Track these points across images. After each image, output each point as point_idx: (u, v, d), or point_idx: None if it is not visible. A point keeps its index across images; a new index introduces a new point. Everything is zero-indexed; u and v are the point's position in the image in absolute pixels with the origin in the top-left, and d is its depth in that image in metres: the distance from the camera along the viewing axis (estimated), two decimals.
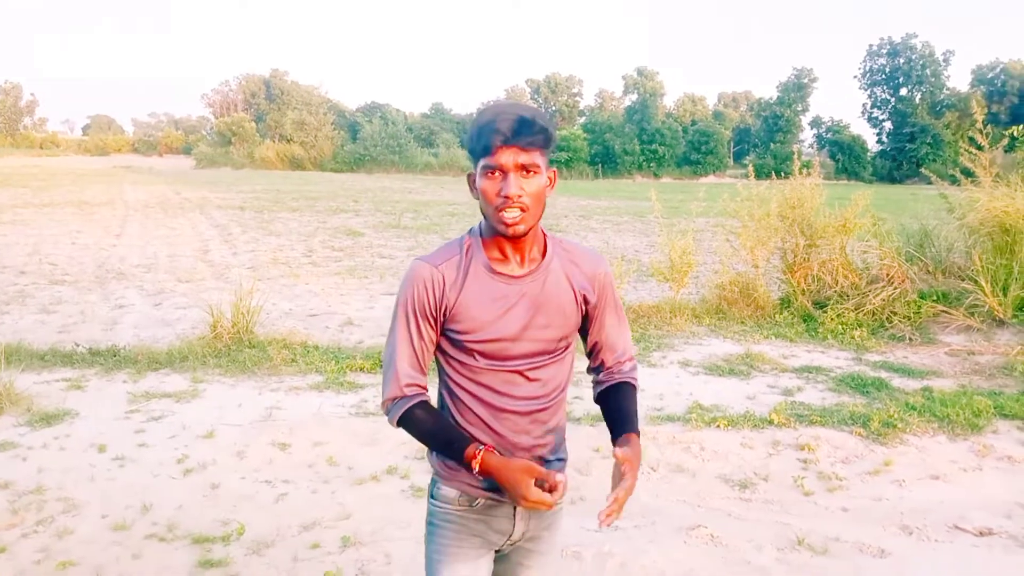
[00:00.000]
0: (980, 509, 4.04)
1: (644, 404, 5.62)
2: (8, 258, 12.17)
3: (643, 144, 58.33)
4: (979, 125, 8.51)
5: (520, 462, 1.72)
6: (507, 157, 1.65)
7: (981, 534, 3.79)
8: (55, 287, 9.94)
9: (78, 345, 6.73)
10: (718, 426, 5.08)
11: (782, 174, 9.13)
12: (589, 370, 2.00)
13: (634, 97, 64.80)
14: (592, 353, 1.96)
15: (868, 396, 5.83)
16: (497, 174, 1.67)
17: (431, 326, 1.80)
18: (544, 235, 1.84)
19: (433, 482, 1.91)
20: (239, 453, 4.63)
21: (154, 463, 4.47)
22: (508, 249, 1.78)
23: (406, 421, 1.82)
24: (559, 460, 1.92)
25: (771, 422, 5.14)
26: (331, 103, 70.72)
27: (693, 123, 63.35)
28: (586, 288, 1.85)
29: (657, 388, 6.01)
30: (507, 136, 1.63)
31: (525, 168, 1.66)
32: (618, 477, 1.73)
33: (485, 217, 1.75)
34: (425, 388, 1.83)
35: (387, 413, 1.84)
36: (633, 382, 1.97)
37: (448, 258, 1.79)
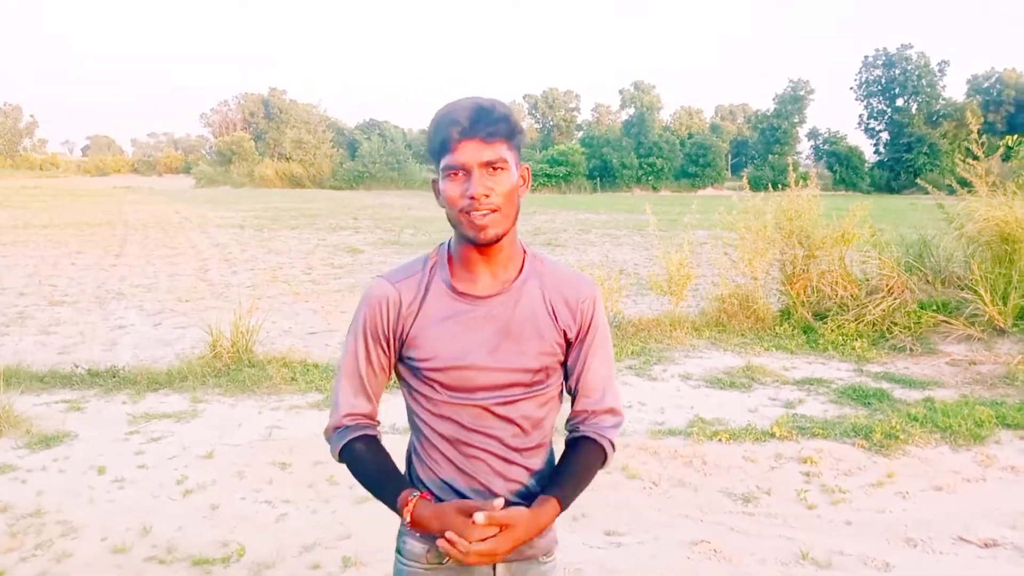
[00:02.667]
0: (984, 520, 4.02)
1: (646, 418, 5.61)
2: (8, 280, 12.17)
3: (641, 157, 58.45)
4: (975, 135, 8.53)
5: (449, 505, 1.51)
6: (469, 153, 1.46)
7: (986, 545, 3.77)
8: (55, 308, 9.93)
9: (78, 366, 6.72)
10: (720, 440, 5.07)
11: (779, 186, 9.15)
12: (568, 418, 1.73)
13: (631, 111, 65.00)
14: (571, 396, 1.69)
15: (870, 407, 5.81)
16: (460, 174, 1.48)
17: (384, 351, 1.61)
18: (524, 252, 1.64)
19: (399, 534, 1.67)
20: (239, 473, 4.62)
21: (154, 484, 4.45)
22: (479, 264, 1.57)
23: (347, 456, 1.63)
24: None
25: (773, 435, 5.12)
26: (329, 121, 71.00)
27: (690, 136, 63.51)
28: (566, 316, 1.62)
29: (658, 402, 6.00)
30: (465, 127, 1.46)
31: (491, 165, 1.47)
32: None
33: (453, 226, 1.55)
34: (372, 419, 1.66)
35: (328, 443, 1.67)
36: (601, 440, 1.64)
37: (408, 275, 1.61)
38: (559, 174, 54.43)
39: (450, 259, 1.61)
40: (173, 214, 27.71)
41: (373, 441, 1.65)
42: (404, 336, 1.59)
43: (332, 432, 1.66)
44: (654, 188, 57.25)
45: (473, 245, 1.54)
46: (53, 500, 4.21)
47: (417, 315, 1.58)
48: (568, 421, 1.70)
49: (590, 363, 1.65)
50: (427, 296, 1.59)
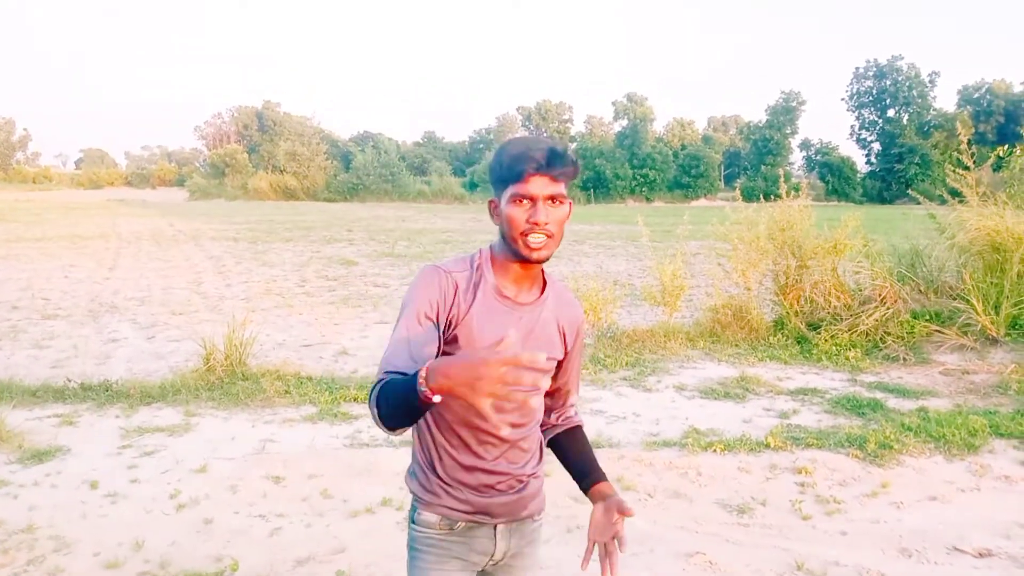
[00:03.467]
0: (979, 530, 4.03)
1: (640, 429, 5.61)
2: (1, 293, 12.12)
3: (634, 168, 58.73)
4: (965, 145, 8.58)
5: (463, 352, 1.71)
6: (538, 186, 1.68)
7: (980, 555, 3.77)
8: (48, 322, 9.89)
9: (70, 380, 6.69)
10: (715, 450, 5.07)
11: (772, 196, 9.19)
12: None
13: (624, 123, 65.30)
14: (552, 395, 1.98)
15: (864, 417, 5.82)
16: (526, 202, 1.69)
17: (434, 324, 1.71)
18: (542, 270, 1.87)
19: (413, 507, 1.90)
20: (232, 487, 4.59)
21: (147, 499, 4.42)
22: (517, 276, 1.81)
23: (384, 386, 1.57)
24: (535, 478, 1.92)
25: (768, 446, 5.13)
26: (323, 133, 71.19)
27: (683, 147, 63.84)
28: (569, 332, 1.91)
29: (653, 413, 6.00)
30: (541, 164, 1.67)
31: (553, 198, 1.70)
32: (608, 528, 1.87)
33: (506, 242, 1.76)
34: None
35: (371, 410, 1.61)
36: (582, 424, 2.05)
37: (462, 270, 1.80)
38: None
39: (495, 265, 1.82)
40: (167, 227, 27.67)
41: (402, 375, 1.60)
42: (454, 320, 1.75)
43: (376, 384, 1.60)
44: (647, 199, 57.49)
45: (519, 261, 1.75)
46: (45, 515, 4.18)
47: (470, 305, 1.76)
48: (554, 413, 2.00)
49: (575, 368, 1.99)
50: (478, 291, 1.78)
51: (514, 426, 1.82)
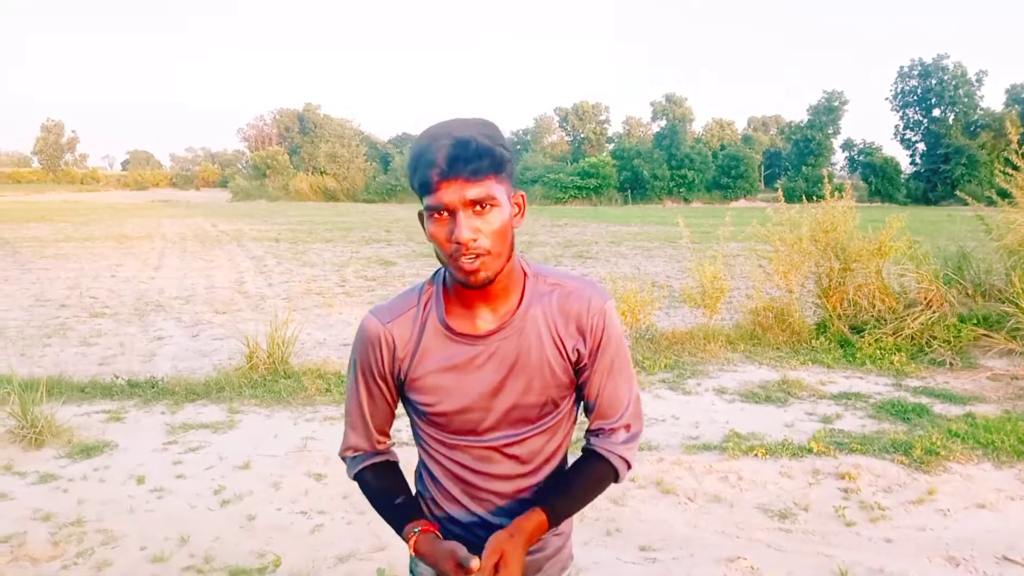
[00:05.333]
0: None
1: (679, 432, 5.57)
2: (50, 292, 12.44)
3: (672, 169, 58.24)
4: (1014, 145, 8.38)
5: (446, 547, 1.44)
6: (451, 194, 1.31)
7: None
8: (95, 320, 10.13)
9: (117, 377, 6.84)
10: (756, 455, 5.01)
11: (814, 197, 9.06)
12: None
13: (663, 123, 64.85)
14: (587, 413, 1.59)
15: (909, 423, 5.71)
16: (445, 215, 1.34)
17: (386, 388, 1.55)
18: (525, 274, 1.51)
19: (412, 562, 1.67)
20: (275, 484, 4.66)
21: (191, 494, 4.51)
22: (475, 300, 1.45)
23: (360, 483, 1.63)
24: (555, 536, 1.63)
25: (810, 450, 5.05)
26: (363, 135, 71.87)
27: (722, 147, 63.17)
28: (575, 336, 1.49)
29: (693, 416, 5.95)
30: (444, 168, 1.30)
31: (477, 203, 1.32)
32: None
33: (443, 265, 1.43)
34: (377, 448, 1.63)
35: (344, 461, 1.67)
36: (609, 456, 1.54)
37: (402, 312, 1.51)
38: (590, 186, 54.43)
39: (446, 292, 1.49)
40: (210, 227, 28.15)
41: (379, 470, 1.62)
42: (403, 377, 1.52)
43: (345, 455, 1.65)
44: (686, 200, 57.01)
45: (467, 287, 1.41)
46: (94, 509, 4.28)
47: (414, 357, 1.49)
48: (588, 435, 1.60)
49: (606, 381, 1.53)
50: (423, 337, 1.48)
51: (514, 476, 1.55)
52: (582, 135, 73.03)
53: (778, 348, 8.00)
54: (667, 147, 59.55)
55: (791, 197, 9.23)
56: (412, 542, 1.49)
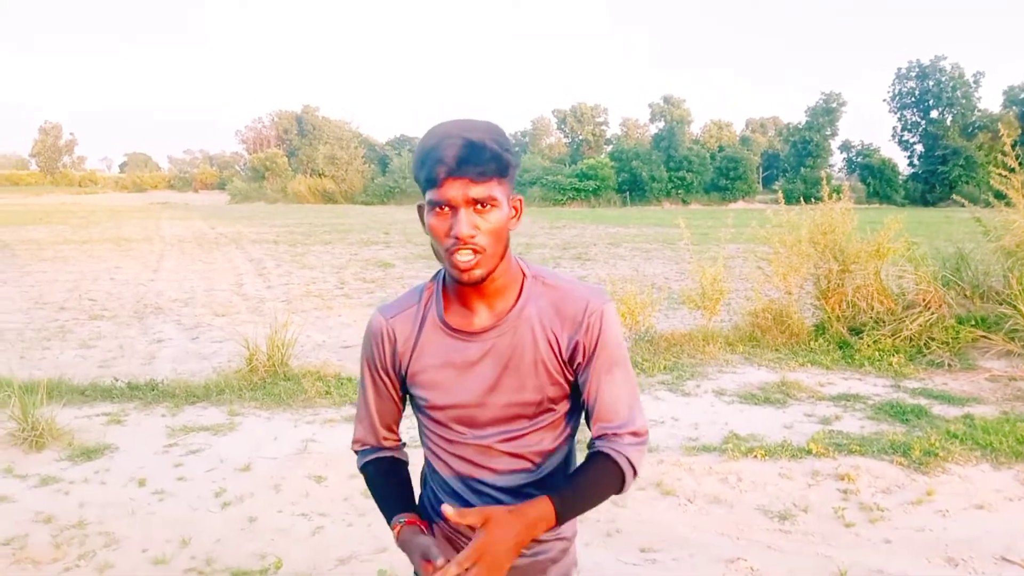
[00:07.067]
0: None
1: (679, 434, 5.58)
2: (49, 294, 12.45)
3: (671, 171, 58.28)
4: (1009, 147, 8.40)
5: (421, 541, 1.48)
6: (455, 191, 1.37)
7: None
8: (95, 322, 10.13)
9: (117, 380, 6.85)
10: (755, 456, 5.02)
11: (812, 199, 9.08)
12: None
13: (661, 125, 64.92)
14: (587, 419, 1.57)
15: (908, 424, 5.73)
16: (446, 210, 1.40)
17: (391, 383, 1.62)
18: (524, 274, 1.55)
19: None
20: (276, 486, 4.67)
21: (192, 497, 4.52)
22: (472, 298, 1.51)
23: (364, 475, 1.72)
24: (558, 540, 1.63)
25: (809, 452, 5.07)
26: (361, 137, 71.87)
27: (720, 149, 63.23)
28: (570, 336, 1.50)
29: (692, 418, 5.96)
30: (452, 167, 1.36)
31: (479, 202, 1.39)
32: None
33: (439, 260, 1.48)
34: (384, 444, 1.71)
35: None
36: (616, 456, 1.48)
37: (403, 309, 1.59)
38: (588, 188, 54.45)
39: (445, 292, 1.55)
40: (208, 229, 28.16)
41: (382, 465, 1.70)
42: (404, 371, 1.58)
43: (355, 448, 1.75)
44: (684, 202, 57.05)
45: (461, 284, 1.47)
46: (95, 512, 4.29)
47: (413, 352, 1.56)
48: (590, 442, 1.55)
49: (603, 383, 1.51)
50: (422, 332, 1.55)
51: (513, 471, 1.56)
52: (580, 137, 73.10)
53: (777, 350, 8.02)
54: (665, 149, 59.59)
55: (789, 199, 9.25)
56: (396, 531, 1.55)
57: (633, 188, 57.16)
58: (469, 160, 1.36)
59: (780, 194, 9.83)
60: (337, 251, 20.04)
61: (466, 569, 1.30)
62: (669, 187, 57.99)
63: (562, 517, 1.41)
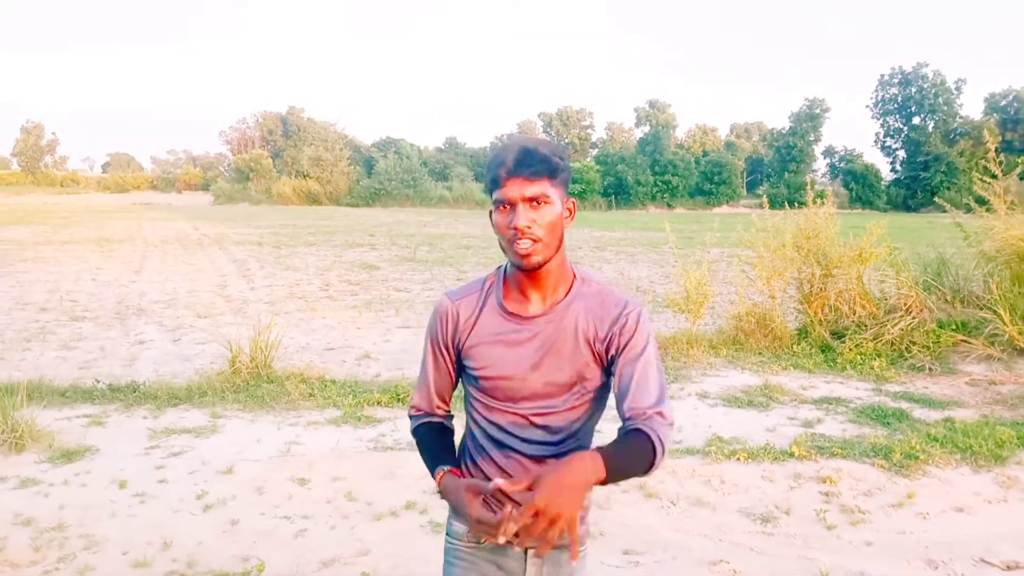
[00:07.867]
0: (1006, 542, 3.99)
1: None
2: (30, 295, 12.32)
3: (656, 175, 58.52)
4: (992, 153, 8.50)
5: (468, 481, 1.70)
6: (514, 190, 1.64)
7: (1008, 568, 3.74)
8: (76, 323, 10.04)
9: (99, 381, 6.79)
10: (738, 459, 5.05)
11: (795, 204, 9.14)
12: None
13: (646, 129, 65.17)
14: (619, 404, 1.72)
15: (889, 427, 5.78)
16: (507, 207, 1.66)
17: (448, 358, 1.86)
18: (574, 275, 1.79)
19: (448, 517, 1.92)
20: (258, 489, 4.64)
21: (174, 499, 4.49)
22: (528, 287, 1.75)
23: (415, 436, 1.94)
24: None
25: (792, 454, 5.10)
26: (347, 139, 71.55)
27: (705, 154, 63.57)
28: (605, 334, 1.73)
29: (676, 420, 5.97)
30: (510, 168, 1.64)
31: (533, 199, 1.65)
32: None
33: (504, 252, 1.73)
34: (436, 412, 1.93)
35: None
36: (648, 431, 1.62)
37: (468, 294, 1.84)
38: (573, 191, 53.15)
39: (506, 281, 1.80)
40: (192, 230, 27.98)
41: (433, 427, 1.92)
42: (461, 347, 1.82)
43: (410, 413, 1.97)
44: (669, 206, 57.29)
45: (521, 270, 1.71)
46: (75, 514, 4.25)
47: (472, 330, 1.80)
48: (622, 424, 1.69)
49: (636, 372, 1.69)
50: (481, 314, 1.80)
51: (541, 443, 1.77)
52: (566, 140, 73.23)
53: (760, 353, 8.06)
54: (651, 153, 59.82)
55: (773, 203, 9.31)
56: (439, 477, 1.76)
57: (618, 192, 57.35)
58: (523, 163, 1.64)
59: (765, 199, 9.89)
60: (322, 253, 19.96)
61: (535, 513, 1.40)
62: (654, 191, 58.23)
63: (611, 471, 1.50)
